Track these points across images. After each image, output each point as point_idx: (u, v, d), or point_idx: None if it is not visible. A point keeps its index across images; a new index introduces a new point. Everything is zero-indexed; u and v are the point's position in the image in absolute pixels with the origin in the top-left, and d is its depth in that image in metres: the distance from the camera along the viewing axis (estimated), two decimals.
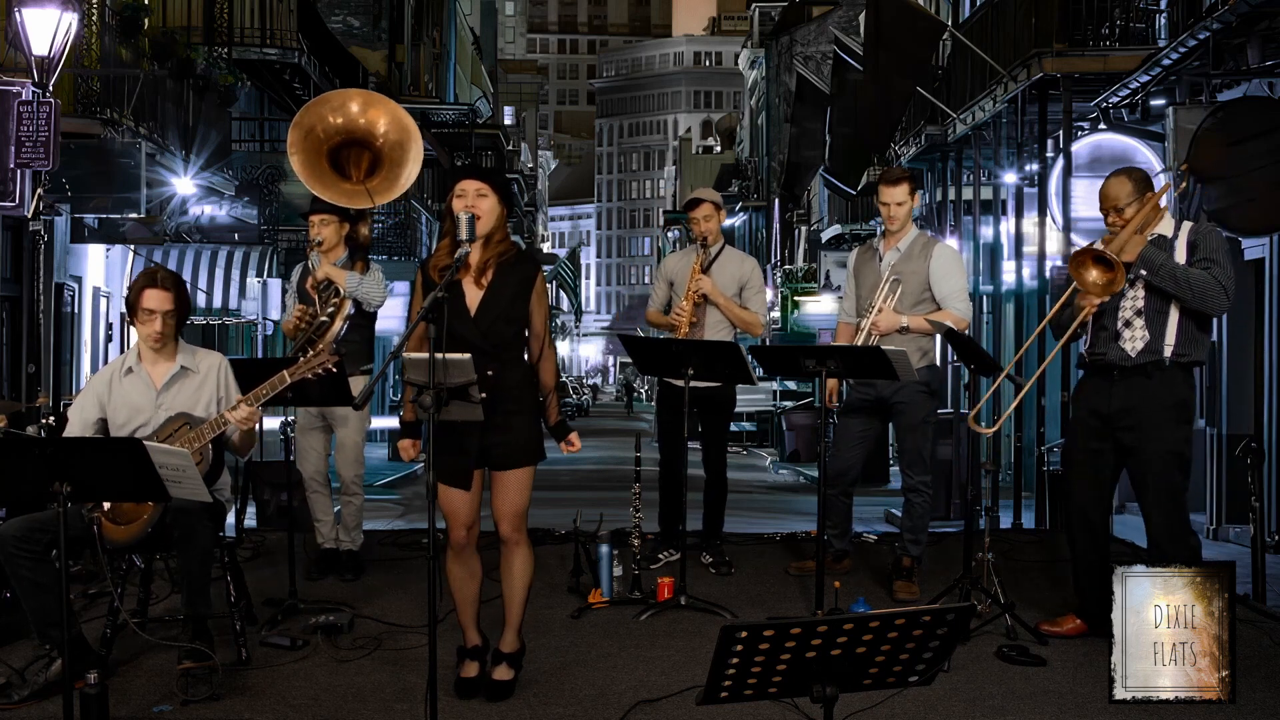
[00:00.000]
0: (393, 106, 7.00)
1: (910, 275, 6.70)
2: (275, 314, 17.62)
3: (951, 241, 15.31)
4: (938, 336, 6.80)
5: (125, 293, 5.74)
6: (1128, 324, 5.69)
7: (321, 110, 6.90)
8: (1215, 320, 5.75)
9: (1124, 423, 5.68)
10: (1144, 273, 5.62)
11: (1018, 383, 7.25)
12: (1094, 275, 5.53)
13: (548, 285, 5.25)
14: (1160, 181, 5.87)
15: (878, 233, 7.10)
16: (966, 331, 6.70)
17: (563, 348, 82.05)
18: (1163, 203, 5.83)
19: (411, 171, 6.89)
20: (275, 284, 17.80)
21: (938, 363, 6.99)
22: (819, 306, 29.88)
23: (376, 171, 6.90)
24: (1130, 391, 5.66)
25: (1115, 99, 12.09)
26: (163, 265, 15.37)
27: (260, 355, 17.50)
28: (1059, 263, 12.39)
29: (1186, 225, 5.77)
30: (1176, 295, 5.55)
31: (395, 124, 6.91)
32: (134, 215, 13.29)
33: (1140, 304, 5.67)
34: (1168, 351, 5.62)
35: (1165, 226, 5.72)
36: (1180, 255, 5.61)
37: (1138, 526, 8.06)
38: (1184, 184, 5.86)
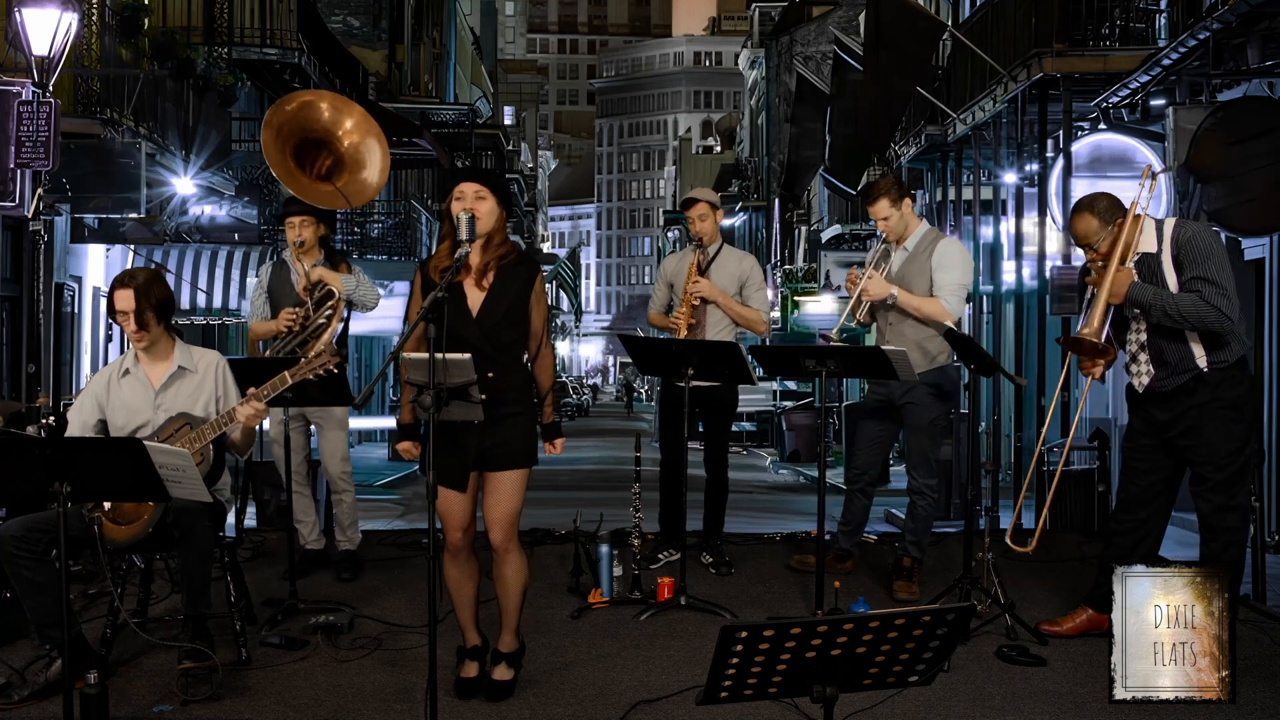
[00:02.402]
0: (353, 108, 7.00)
1: (917, 273, 6.67)
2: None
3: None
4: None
5: None
6: (1134, 358, 5.63)
7: (285, 110, 6.91)
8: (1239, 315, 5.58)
9: (1177, 429, 5.57)
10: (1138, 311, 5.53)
11: (1019, 383, 7.23)
12: (1086, 349, 5.54)
13: (547, 285, 5.25)
14: (1149, 184, 5.72)
15: (878, 234, 7.09)
16: (962, 328, 6.66)
17: (563, 348, 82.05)
18: (1140, 209, 5.54)
19: (373, 174, 6.87)
20: None
21: (946, 366, 6.86)
22: (819, 306, 29.85)
23: (338, 173, 6.90)
24: (1179, 407, 5.54)
25: (1115, 99, 12.09)
26: (161, 265, 15.41)
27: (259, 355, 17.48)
28: (1059, 262, 12.39)
29: (1169, 227, 5.51)
30: (1178, 326, 5.44)
31: (355, 125, 6.90)
32: (134, 215, 13.28)
33: (1144, 338, 5.58)
34: (1201, 363, 5.49)
35: (1149, 240, 5.51)
36: (1169, 275, 5.44)
37: None
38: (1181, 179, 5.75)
